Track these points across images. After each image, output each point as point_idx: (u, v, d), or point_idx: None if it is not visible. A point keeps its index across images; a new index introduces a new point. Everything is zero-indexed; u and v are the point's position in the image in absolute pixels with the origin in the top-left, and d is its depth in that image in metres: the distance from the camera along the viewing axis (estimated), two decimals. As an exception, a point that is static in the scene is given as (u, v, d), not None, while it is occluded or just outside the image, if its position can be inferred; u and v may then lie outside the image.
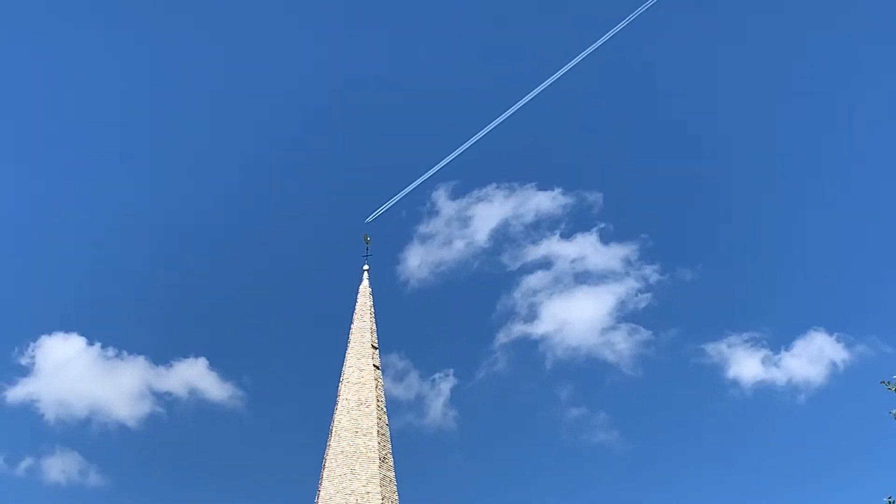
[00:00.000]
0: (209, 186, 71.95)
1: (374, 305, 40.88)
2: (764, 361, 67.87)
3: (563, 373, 68.97)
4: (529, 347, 69.01)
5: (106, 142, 72.55)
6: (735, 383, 67.42)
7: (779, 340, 70.82)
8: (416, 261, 70.60)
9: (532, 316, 69.49)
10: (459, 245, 70.73)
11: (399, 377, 65.24)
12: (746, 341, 68.59)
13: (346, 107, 73.81)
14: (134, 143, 72.63)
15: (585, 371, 69.55)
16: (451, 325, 72.11)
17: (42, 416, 64.84)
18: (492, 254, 70.92)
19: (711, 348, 68.64)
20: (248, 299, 71.92)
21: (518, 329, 69.50)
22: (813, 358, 68.01)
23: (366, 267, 41.36)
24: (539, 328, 69.07)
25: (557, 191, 71.97)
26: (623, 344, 68.70)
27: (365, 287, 41.11)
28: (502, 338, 69.19)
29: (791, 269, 71.25)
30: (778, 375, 67.64)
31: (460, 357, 71.09)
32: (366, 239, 41.35)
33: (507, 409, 69.73)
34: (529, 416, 68.11)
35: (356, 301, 40.82)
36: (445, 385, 68.24)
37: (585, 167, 75.78)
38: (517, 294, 70.30)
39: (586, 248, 70.75)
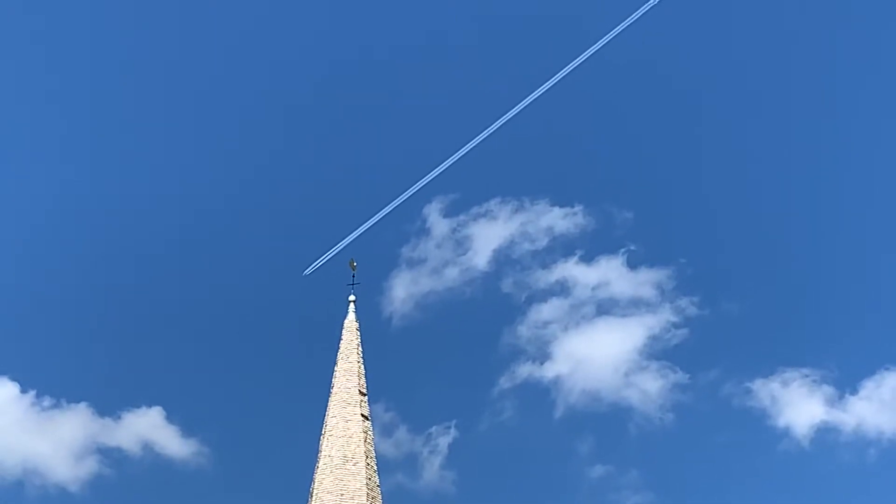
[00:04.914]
0: (166, 201, 64.54)
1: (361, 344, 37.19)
2: (824, 404, 59.62)
3: (582, 422, 61.16)
4: (540, 393, 61.32)
5: (44, 162, 65.89)
6: (787, 432, 59.19)
7: (843, 381, 61.36)
8: (401, 292, 63.23)
9: (542, 354, 61.94)
10: (453, 272, 63.18)
11: (386, 432, 58.05)
12: (806, 376, 60.31)
13: (322, 104, 66.46)
14: (77, 155, 65.81)
15: (607, 420, 61.55)
16: (443, 368, 63.85)
17: (-36, 477, 57.92)
18: (492, 280, 63.47)
19: (760, 386, 60.17)
20: (210, 336, 63.88)
21: (525, 370, 61.60)
22: (886, 402, 59.44)
23: (352, 298, 37.52)
24: (551, 369, 61.37)
25: (578, 208, 63.90)
26: (652, 386, 60.59)
27: (351, 322, 37.34)
28: (504, 382, 61.50)
29: (858, 299, 62.71)
30: (842, 422, 59.08)
31: (457, 408, 63.60)
32: (352, 264, 37.52)
33: (514, 468, 61.05)
34: (543, 476, 59.33)
35: (340, 338, 37.14)
36: (444, 440, 60.56)
37: (613, 180, 66.72)
38: (523, 328, 62.58)
39: (610, 274, 63.01)
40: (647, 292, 62.46)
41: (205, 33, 67.34)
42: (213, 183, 65.45)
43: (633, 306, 62.59)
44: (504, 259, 63.59)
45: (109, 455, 59.70)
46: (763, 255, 64.35)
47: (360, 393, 36.06)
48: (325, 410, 35.86)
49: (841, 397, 59.80)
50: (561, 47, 58.35)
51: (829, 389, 60.01)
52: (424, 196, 59.66)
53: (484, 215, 64.65)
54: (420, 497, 57.89)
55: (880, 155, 64.06)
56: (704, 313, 62.18)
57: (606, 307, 62.75)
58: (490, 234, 63.84)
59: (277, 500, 52.04)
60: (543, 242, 63.58)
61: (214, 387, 63.70)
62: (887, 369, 60.35)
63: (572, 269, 63.10)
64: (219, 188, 65.34)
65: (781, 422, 59.14)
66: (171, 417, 60.71)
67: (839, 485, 59.11)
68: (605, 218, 64.13)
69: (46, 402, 61.06)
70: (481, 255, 63.22)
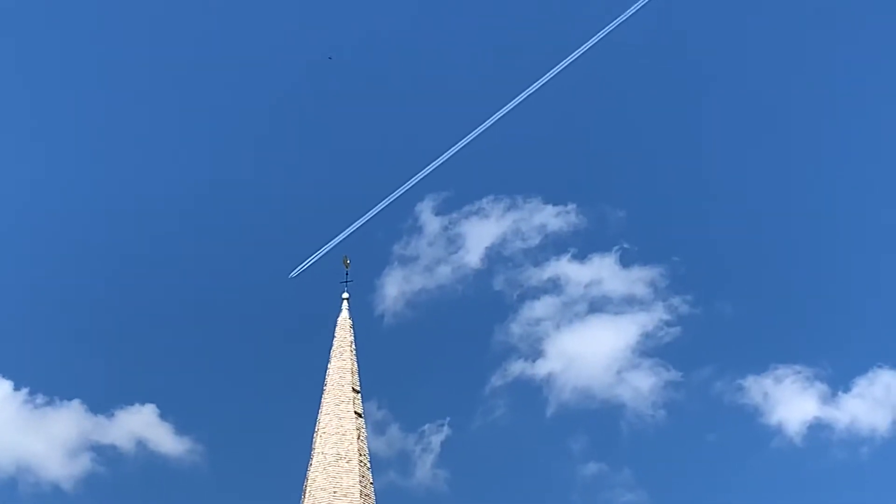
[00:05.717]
0: (161, 200, 64.50)
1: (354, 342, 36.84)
2: (817, 401, 59.50)
3: (574, 420, 61.15)
4: (533, 391, 61.31)
5: (36, 162, 65.80)
6: (779, 429, 59.10)
7: (835, 378, 61.51)
8: (394, 290, 63.28)
9: (535, 352, 61.95)
10: (445, 270, 63.21)
11: (379, 430, 57.79)
12: (799, 373, 60.25)
13: (313, 102, 66.52)
14: (68, 156, 65.82)
15: (600, 417, 61.61)
16: (436, 366, 64.02)
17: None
18: (485, 277, 63.39)
19: (752, 383, 60.09)
20: (204, 333, 64.00)
21: (517, 368, 61.65)
22: (878, 400, 59.44)
23: (345, 295, 37.35)
24: (543, 367, 61.34)
25: (571, 206, 64.10)
26: (645, 384, 60.64)
27: (344, 319, 37.13)
28: (497, 380, 61.49)
29: (852, 297, 62.82)
30: (835, 420, 58.98)
31: (449, 405, 63.32)
32: (345, 262, 37.38)
33: (507, 466, 61.06)
34: (536, 474, 59.14)
35: (334, 336, 36.86)
36: (436, 438, 60.43)
37: (607, 178, 66.81)
38: (516, 326, 62.67)
39: (603, 272, 63.07)
40: (640, 290, 62.63)
41: (190, 32, 67.47)
42: (208, 180, 65.46)
43: (626, 304, 62.70)
44: (496, 257, 63.65)
45: (103, 453, 59.80)
46: (756, 253, 64.67)
47: (354, 390, 35.72)
48: (319, 408, 35.50)
49: (834, 395, 59.96)
50: (553, 46, 58.45)
51: (821, 387, 60.27)
52: (417, 194, 59.69)
53: (476, 213, 64.81)
54: (413, 495, 57.79)
55: (876, 156, 64.22)
56: (697, 311, 62.37)
57: (599, 305, 62.92)
58: (482, 232, 63.93)
59: (271, 497, 51.33)
60: (536, 240, 63.70)
61: (208, 384, 63.59)
62: (880, 367, 60.49)
63: (565, 267, 63.22)
64: (213, 185, 65.37)
65: (774, 419, 59.34)
66: (164, 415, 60.79)
67: (832, 482, 59.31)
68: (598, 216, 64.34)
69: (40, 399, 61.10)
70: (473, 252, 63.28)
